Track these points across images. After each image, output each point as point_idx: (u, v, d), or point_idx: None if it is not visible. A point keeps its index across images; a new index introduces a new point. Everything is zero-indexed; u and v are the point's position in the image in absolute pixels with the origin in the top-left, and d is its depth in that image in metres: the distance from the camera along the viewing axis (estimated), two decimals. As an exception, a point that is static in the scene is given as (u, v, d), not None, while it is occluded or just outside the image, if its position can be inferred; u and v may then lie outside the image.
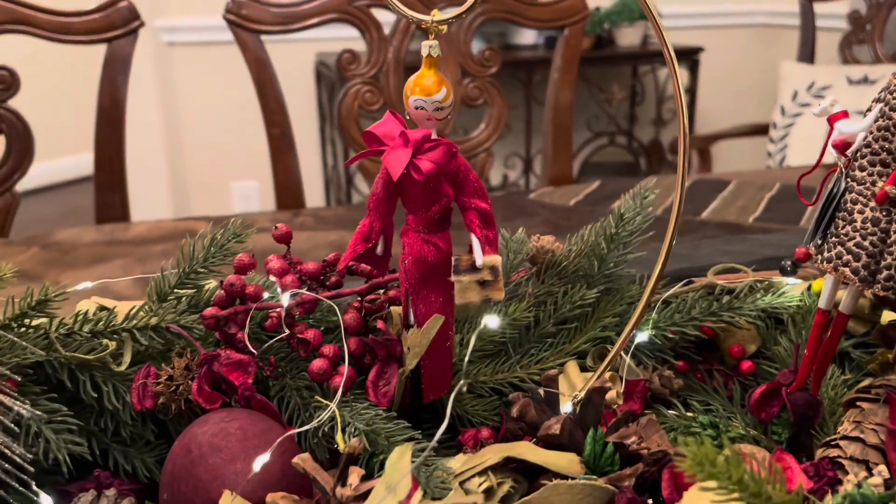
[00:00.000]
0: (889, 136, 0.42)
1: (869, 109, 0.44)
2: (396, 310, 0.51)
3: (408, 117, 0.45)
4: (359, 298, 0.53)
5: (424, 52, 0.44)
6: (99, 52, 1.25)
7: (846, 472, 0.43)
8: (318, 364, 0.47)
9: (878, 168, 0.42)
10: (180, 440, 0.43)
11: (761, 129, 2.48)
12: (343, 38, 1.85)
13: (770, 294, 0.57)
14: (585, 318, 0.57)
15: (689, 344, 0.57)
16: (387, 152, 0.44)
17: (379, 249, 0.48)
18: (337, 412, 0.44)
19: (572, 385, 0.51)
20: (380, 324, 0.48)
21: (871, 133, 0.43)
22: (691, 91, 2.81)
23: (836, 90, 2.26)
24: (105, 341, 0.48)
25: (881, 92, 0.43)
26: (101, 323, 0.49)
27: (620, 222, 0.58)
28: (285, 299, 0.47)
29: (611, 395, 0.51)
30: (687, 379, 0.56)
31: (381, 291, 0.53)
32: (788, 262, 0.62)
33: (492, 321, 0.41)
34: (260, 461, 0.39)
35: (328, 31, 1.42)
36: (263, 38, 1.32)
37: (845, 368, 0.55)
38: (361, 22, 1.35)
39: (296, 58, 2.67)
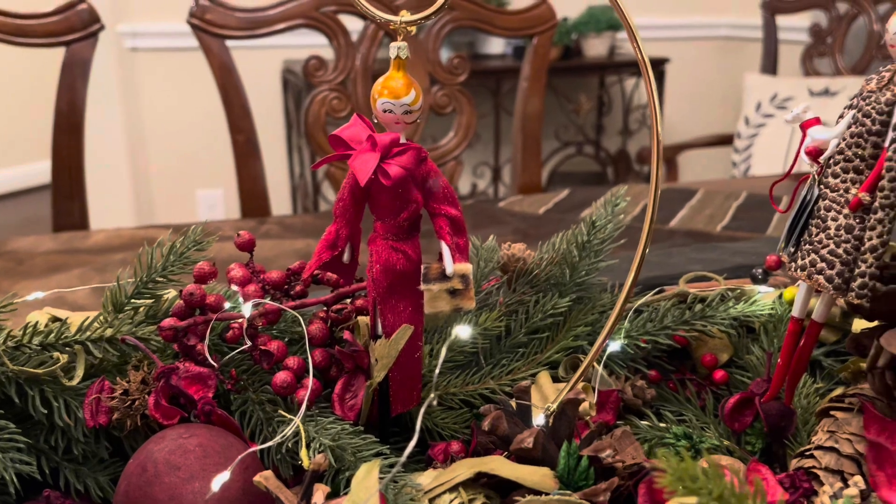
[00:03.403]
0: (862, 142, 0.41)
1: (841, 116, 0.43)
2: (364, 320, 0.49)
3: (375, 121, 0.44)
4: (325, 308, 0.51)
5: (392, 54, 0.43)
6: (58, 56, 1.22)
7: (821, 483, 0.43)
8: (281, 377, 0.45)
9: (851, 175, 0.42)
10: (135, 458, 0.41)
11: (726, 140, 2.52)
12: (310, 45, 1.83)
13: (742, 302, 0.56)
14: (557, 328, 0.56)
15: (662, 353, 0.57)
16: (354, 156, 0.42)
17: (345, 257, 0.47)
18: (301, 427, 0.42)
19: (544, 396, 0.50)
20: (346, 334, 0.46)
21: (844, 139, 0.42)
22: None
23: (798, 101, 2.29)
24: (56, 354, 0.46)
25: (853, 98, 0.43)
26: (52, 335, 0.46)
27: (592, 230, 0.57)
28: (247, 309, 0.45)
29: (584, 406, 0.50)
30: (660, 389, 0.56)
31: (349, 301, 0.51)
32: (760, 271, 0.61)
33: (463, 331, 0.40)
34: (219, 480, 0.37)
35: (295, 38, 1.40)
36: (229, 43, 1.30)
37: (817, 377, 0.55)
38: (328, 28, 1.33)
39: (262, 65, 2.64)
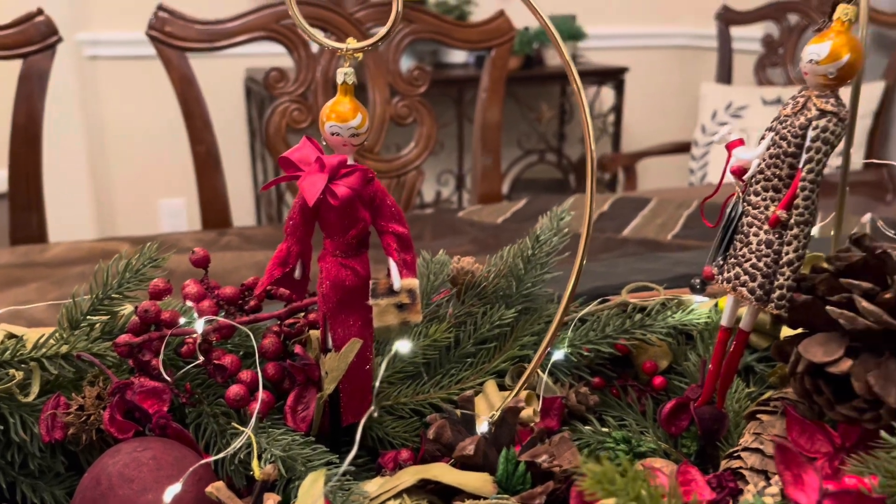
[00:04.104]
0: (779, 163, 0.44)
1: (763, 137, 0.46)
2: (316, 333, 0.51)
3: (324, 143, 0.46)
4: (278, 322, 0.52)
5: (339, 80, 0.45)
6: (15, 67, 1.21)
7: (747, 483, 0.45)
8: (234, 390, 0.47)
9: (770, 193, 0.45)
10: (90, 472, 0.42)
11: (684, 147, 2.58)
12: (273, 53, 1.84)
13: (680, 311, 0.59)
14: (504, 338, 0.58)
15: (605, 361, 0.59)
16: (302, 178, 0.44)
17: (297, 274, 0.48)
18: (253, 438, 0.43)
19: (491, 404, 0.52)
20: (298, 348, 0.48)
21: (764, 160, 0.45)
22: (618, 110, 2.89)
23: (751, 110, 2.36)
24: (12, 371, 0.47)
25: (773, 121, 0.46)
26: (7, 352, 0.47)
27: (537, 244, 0.59)
28: (199, 326, 0.47)
29: (528, 413, 0.52)
30: (603, 395, 0.58)
31: (301, 315, 0.53)
32: (697, 281, 0.64)
33: (403, 347, 0.42)
34: (171, 491, 0.38)
35: (258, 47, 1.41)
36: (189, 55, 1.31)
37: (750, 382, 0.58)
38: (289, 40, 1.35)
39: (225, 73, 2.64)
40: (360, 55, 0.46)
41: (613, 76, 2.84)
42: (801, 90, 0.45)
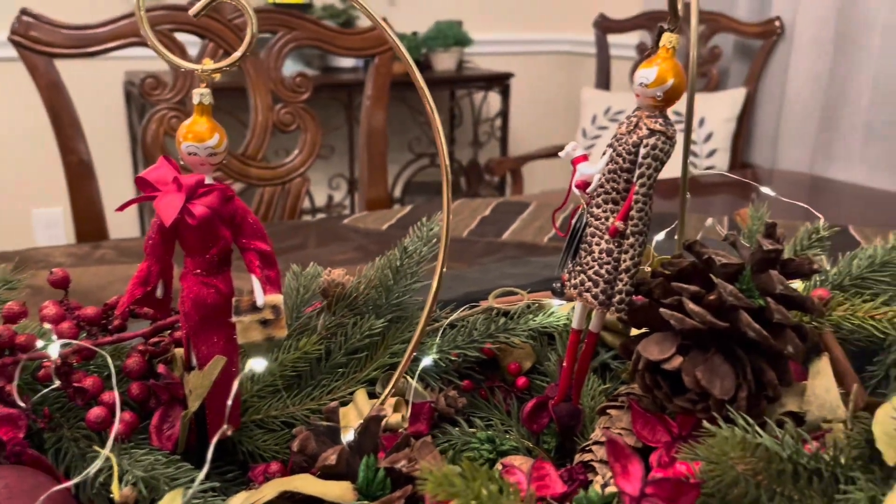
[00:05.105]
0: (617, 178, 0.48)
1: (604, 153, 0.50)
2: (181, 351, 0.51)
3: (181, 162, 0.46)
4: (143, 341, 0.52)
5: (196, 100, 0.45)
6: None
7: (597, 474, 0.49)
8: (95, 412, 0.46)
9: (610, 206, 0.48)
10: (-63, 506, 0.41)
11: (568, 150, 2.67)
12: (152, 56, 1.78)
13: (541, 314, 0.63)
14: (375, 347, 0.59)
15: (473, 364, 0.62)
16: (158, 198, 0.44)
17: (159, 292, 0.48)
18: (114, 460, 0.43)
19: (361, 413, 0.54)
20: (161, 367, 0.48)
21: (604, 175, 0.49)
22: (504, 114, 2.97)
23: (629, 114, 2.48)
24: None
25: (612, 139, 0.49)
26: None
27: (405, 254, 0.61)
28: (54, 349, 0.46)
29: (396, 418, 0.54)
30: (472, 397, 0.61)
31: (167, 333, 0.53)
32: (558, 285, 0.68)
33: (258, 365, 0.43)
34: (24, 520, 0.38)
35: (136, 50, 1.37)
36: (57, 61, 1.25)
37: (606, 378, 0.62)
38: (164, 46, 1.31)
39: (103, 76, 2.54)
40: (218, 76, 0.46)
41: (499, 81, 2.91)
42: (634, 111, 0.49)
